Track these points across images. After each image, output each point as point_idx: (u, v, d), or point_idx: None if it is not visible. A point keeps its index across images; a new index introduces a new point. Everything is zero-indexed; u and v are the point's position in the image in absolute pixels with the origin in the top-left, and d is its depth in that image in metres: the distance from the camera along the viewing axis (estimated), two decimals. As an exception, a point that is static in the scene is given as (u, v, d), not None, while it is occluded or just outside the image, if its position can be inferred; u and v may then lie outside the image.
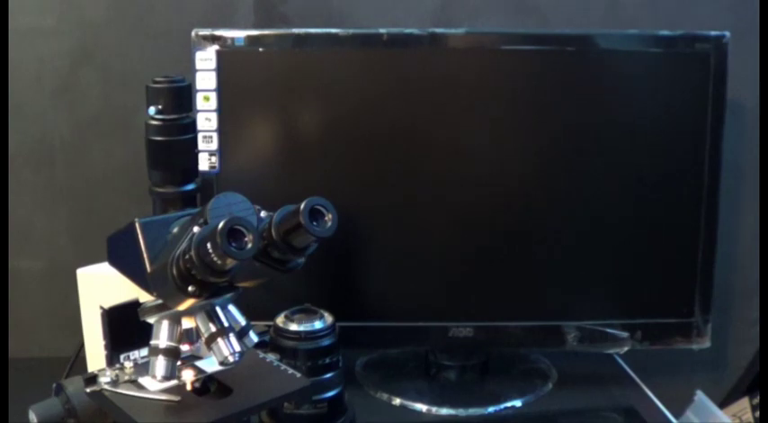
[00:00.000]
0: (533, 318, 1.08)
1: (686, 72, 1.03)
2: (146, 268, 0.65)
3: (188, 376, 0.72)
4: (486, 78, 1.03)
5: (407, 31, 1.01)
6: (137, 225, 0.65)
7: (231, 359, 0.68)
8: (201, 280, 0.62)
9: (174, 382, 0.70)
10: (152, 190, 0.94)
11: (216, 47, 1.00)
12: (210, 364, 0.73)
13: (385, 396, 1.08)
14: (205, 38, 1.00)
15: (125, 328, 0.74)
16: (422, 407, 1.06)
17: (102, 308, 0.75)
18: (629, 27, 1.12)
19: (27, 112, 1.16)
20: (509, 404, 1.07)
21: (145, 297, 0.69)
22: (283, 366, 0.76)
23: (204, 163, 1.01)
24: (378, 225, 1.05)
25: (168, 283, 0.63)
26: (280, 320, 0.93)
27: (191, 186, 0.95)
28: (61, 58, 1.15)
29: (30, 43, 1.14)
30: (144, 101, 0.92)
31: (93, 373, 0.71)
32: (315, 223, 0.63)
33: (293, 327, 0.92)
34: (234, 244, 0.60)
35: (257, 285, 0.68)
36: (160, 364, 0.67)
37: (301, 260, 0.67)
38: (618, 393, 1.11)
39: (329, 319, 0.94)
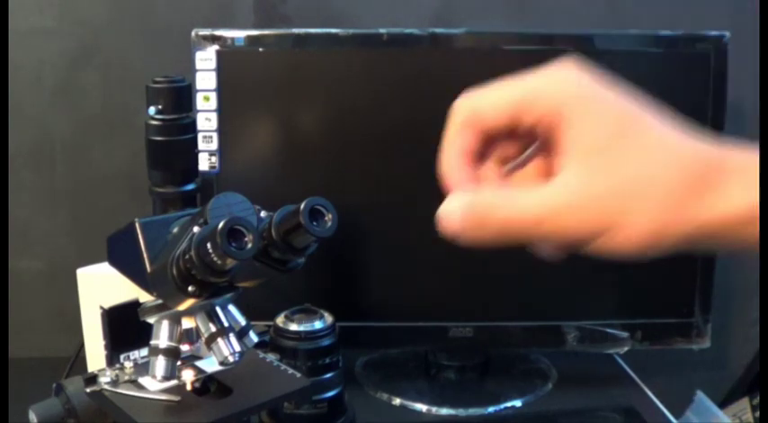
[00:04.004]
0: (533, 318, 1.08)
1: (686, 72, 1.03)
2: (146, 268, 0.65)
3: (188, 376, 0.72)
4: (487, 78, 1.02)
5: (407, 31, 1.01)
6: (137, 225, 0.65)
7: (231, 359, 0.67)
8: (201, 280, 0.62)
9: (174, 382, 0.70)
10: (152, 190, 0.94)
11: (216, 47, 1.00)
12: (210, 364, 0.73)
13: (385, 396, 1.08)
14: (205, 38, 1.00)
15: (125, 328, 0.74)
16: (422, 407, 1.06)
17: (102, 308, 0.75)
18: (629, 27, 1.12)
19: (27, 112, 1.16)
20: (509, 404, 1.07)
21: (145, 297, 0.69)
22: (283, 366, 0.76)
23: (204, 163, 1.01)
24: (377, 225, 1.05)
25: (168, 283, 0.63)
26: (280, 320, 0.93)
27: (191, 186, 0.95)
28: (61, 58, 1.15)
29: (30, 43, 1.14)
30: (144, 101, 0.92)
31: (93, 373, 0.71)
32: (315, 223, 0.63)
33: (293, 327, 0.92)
34: (234, 244, 0.59)
35: (257, 285, 0.68)
36: (160, 364, 0.67)
37: (301, 260, 0.67)
38: (618, 393, 1.11)
39: (329, 319, 0.94)
